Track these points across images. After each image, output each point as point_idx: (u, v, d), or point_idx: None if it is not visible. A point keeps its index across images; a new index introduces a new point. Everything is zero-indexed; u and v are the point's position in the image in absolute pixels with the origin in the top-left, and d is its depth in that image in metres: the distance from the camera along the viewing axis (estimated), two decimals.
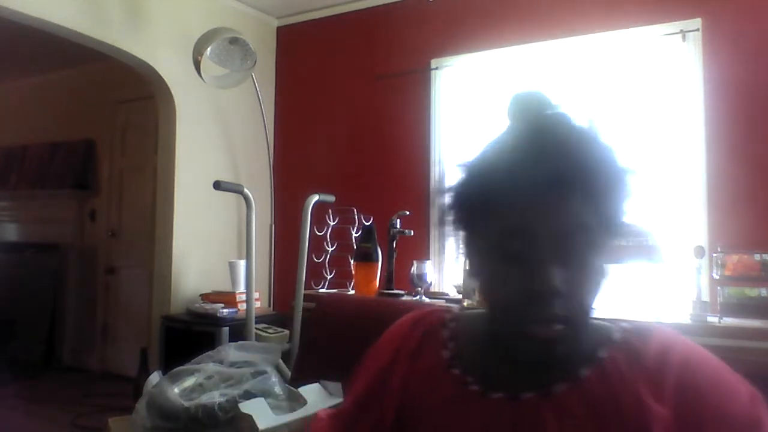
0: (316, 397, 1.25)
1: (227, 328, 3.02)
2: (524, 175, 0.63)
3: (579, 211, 0.64)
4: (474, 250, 0.71)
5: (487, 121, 3.24)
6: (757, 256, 2.18)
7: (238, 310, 3.17)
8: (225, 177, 3.32)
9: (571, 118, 0.70)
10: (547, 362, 0.65)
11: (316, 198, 2.80)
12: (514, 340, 0.65)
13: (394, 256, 2.75)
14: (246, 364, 1.33)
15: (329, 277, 3.18)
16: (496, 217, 0.65)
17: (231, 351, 1.40)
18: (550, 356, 0.64)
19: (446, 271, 3.23)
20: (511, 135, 0.74)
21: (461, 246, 0.73)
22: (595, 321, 0.71)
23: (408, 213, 2.88)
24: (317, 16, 3.85)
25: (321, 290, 3.12)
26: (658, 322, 0.71)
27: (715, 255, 2.25)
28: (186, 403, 1.17)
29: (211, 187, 2.53)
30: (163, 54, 3.30)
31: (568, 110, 0.72)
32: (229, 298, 3.23)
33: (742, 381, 0.65)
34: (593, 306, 0.66)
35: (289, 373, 1.80)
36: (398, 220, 2.80)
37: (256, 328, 2.79)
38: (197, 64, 2.96)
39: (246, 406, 1.12)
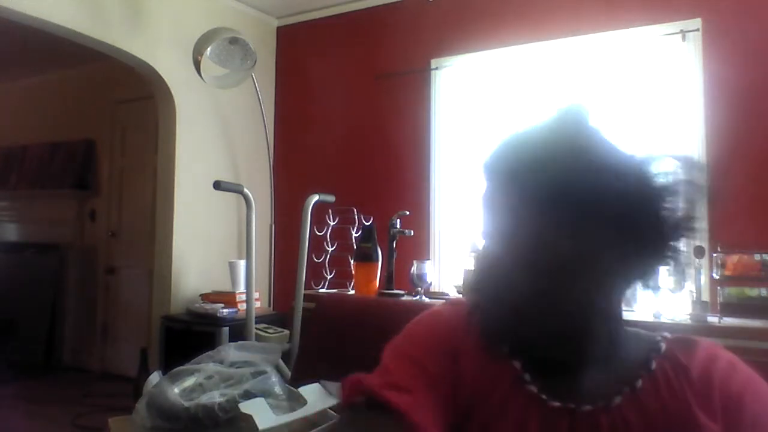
0: (316, 397, 1.24)
1: (227, 328, 3.02)
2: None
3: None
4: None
5: (487, 120, 3.24)
6: (757, 256, 2.18)
7: (238, 310, 3.17)
8: (225, 177, 3.33)
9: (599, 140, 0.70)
10: (601, 371, 0.66)
11: (316, 198, 2.80)
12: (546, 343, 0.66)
13: (394, 256, 2.75)
14: (246, 364, 1.33)
15: (329, 277, 3.18)
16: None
17: (231, 351, 1.40)
18: (601, 363, 0.66)
19: (446, 271, 3.23)
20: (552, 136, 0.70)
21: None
22: (636, 329, 0.71)
23: (408, 213, 2.88)
24: (317, 16, 3.85)
25: (321, 290, 3.12)
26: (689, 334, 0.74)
27: (715, 255, 2.25)
28: (186, 403, 1.17)
29: (211, 187, 2.53)
30: (163, 54, 3.30)
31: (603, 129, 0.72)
32: (229, 298, 3.23)
33: None
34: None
35: (289, 373, 1.80)
36: (398, 220, 2.80)
37: (256, 328, 2.79)
38: (197, 64, 2.96)
39: (246, 406, 1.12)
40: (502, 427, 0.65)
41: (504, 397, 0.67)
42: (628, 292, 0.67)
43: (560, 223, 0.63)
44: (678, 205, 0.68)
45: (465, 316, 0.72)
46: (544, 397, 0.66)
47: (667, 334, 0.71)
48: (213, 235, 3.56)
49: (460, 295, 2.61)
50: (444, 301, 0.79)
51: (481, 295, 0.68)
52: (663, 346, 0.68)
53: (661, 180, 0.67)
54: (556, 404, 0.65)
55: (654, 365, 0.66)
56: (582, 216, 0.63)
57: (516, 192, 0.65)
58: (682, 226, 0.67)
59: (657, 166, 0.67)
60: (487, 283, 0.68)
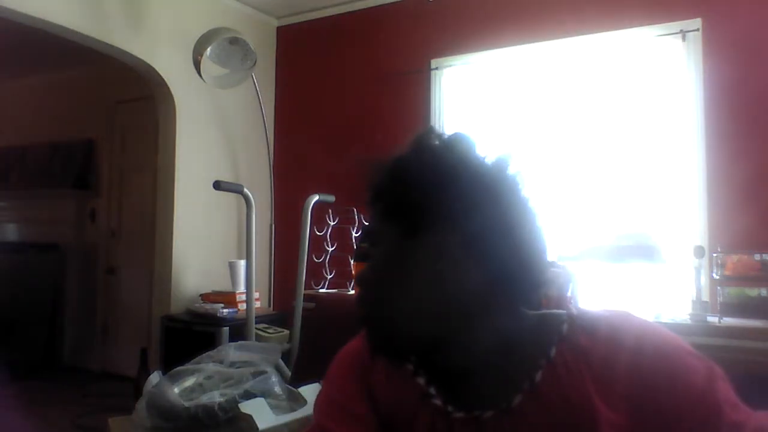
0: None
1: (227, 328, 3.02)
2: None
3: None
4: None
5: (487, 120, 3.24)
6: (757, 256, 2.18)
7: (238, 310, 3.17)
8: (225, 177, 3.32)
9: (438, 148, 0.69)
10: (497, 371, 0.66)
11: (316, 198, 2.80)
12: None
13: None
14: (246, 364, 1.33)
15: (329, 277, 3.18)
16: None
17: (231, 351, 1.40)
18: (495, 362, 0.66)
19: None
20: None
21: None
22: (547, 313, 0.70)
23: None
24: (317, 16, 3.85)
25: (321, 290, 3.12)
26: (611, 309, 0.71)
27: (715, 255, 2.25)
28: (186, 403, 1.17)
29: (211, 187, 2.53)
30: (163, 54, 3.30)
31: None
32: (229, 298, 3.23)
33: (698, 358, 0.64)
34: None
35: (289, 373, 1.80)
36: None
37: (256, 328, 2.79)
38: (197, 64, 2.96)
39: (246, 406, 1.12)
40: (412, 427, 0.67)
41: (412, 414, 0.68)
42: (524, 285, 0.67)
43: (433, 244, 0.65)
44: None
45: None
46: (449, 409, 0.66)
47: (573, 311, 0.69)
48: (213, 235, 3.56)
49: None
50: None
51: (365, 311, 0.69)
52: (565, 327, 0.66)
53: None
54: (460, 415, 0.66)
55: (554, 352, 0.65)
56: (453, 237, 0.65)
57: (410, 222, 0.66)
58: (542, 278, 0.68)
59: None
60: (368, 300, 0.69)
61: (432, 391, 0.69)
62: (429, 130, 0.71)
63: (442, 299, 0.65)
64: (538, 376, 0.64)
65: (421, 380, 0.70)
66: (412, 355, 0.70)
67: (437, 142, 0.69)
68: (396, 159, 0.69)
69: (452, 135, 0.70)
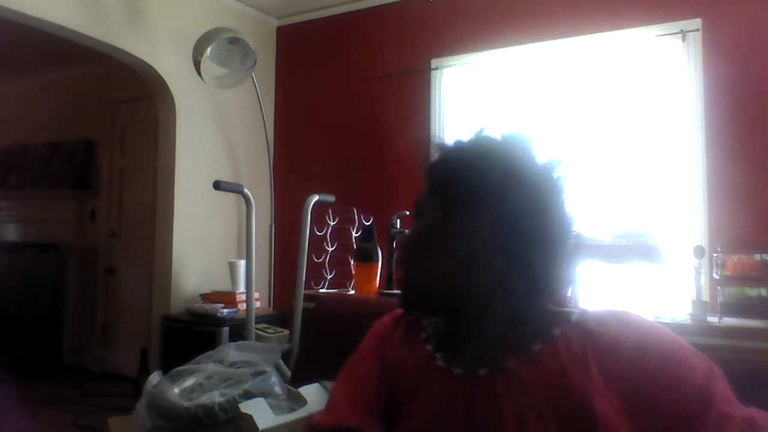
0: (316, 397, 1.24)
1: (227, 328, 3.02)
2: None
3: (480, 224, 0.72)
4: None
5: (488, 120, 3.24)
6: (757, 256, 2.17)
7: (238, 310, 3.17)
8: (225, 177, 3.33)
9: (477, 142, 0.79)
10: (491, 341, 0.74)
11: (316, 198, 2.80)
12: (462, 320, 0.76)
13: (394, 256, 2.75)
14: (246, 364, 1.33)
15: (329, 277, 3.18)
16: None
17: (231, 351, 1.40)
18: (498, 335, 0.73)
19: None
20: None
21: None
22: (555, 307, 0.76)
23: (408, 213, 2.87)
24: (317, 16, 3.85)
25: (321, 290, 3.12)
26: (624, 310, 0.75)
27: (715, 255, 2.25)
28: (186, 403, 1.17)
29: (211, 187, 2.53)
30: (163, 54, 3.30)
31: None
32: (229, 298, 3.23)
33: (698, 356, 0.67)
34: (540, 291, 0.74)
35: (289, 373, 1.80)
36: (398, 220, 2.80)
37: (256, 328, 2.79)
38: (197, 64, 2.96)
39: (246, 406, 1.12)
40: (416, 398, 0.76)
41: (418, 374, 0.77)
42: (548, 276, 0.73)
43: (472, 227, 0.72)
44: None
45: (399, 316, 0.87)
46: (450, 368, 0.75)
47: (588, 309, 0.74)
48: (213, 235, 3.56)
49: None
50: None
51: (402, 269, 0.78)
52: (575, 317, 0.72)
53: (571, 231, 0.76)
54: (458, 371, 0.74)
55: (558, 332, 0.71)
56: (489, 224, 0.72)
57: (452, 200, 0.74)
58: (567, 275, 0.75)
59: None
60: (404, 261, 0.78)
61: (438, 355, 0.77)
62: (491, 124, 0.80)
63: (464, 273, 0.72)
64: (537, 347, 0.70)
65: (429, 347, 0.79)
66: (431, 314, 0.81)
67: (495, 136, 0.78)
68: (454, 143, 0.78)
69: (511, 132, 0.79)
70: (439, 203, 0.75)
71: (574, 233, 0.76)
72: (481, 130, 0.79)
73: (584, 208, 2.89)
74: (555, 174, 0.77)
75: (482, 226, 0.71)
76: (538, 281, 0.72)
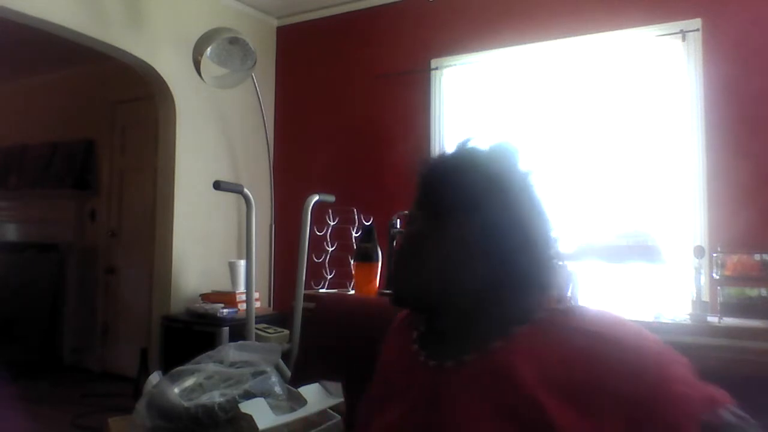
0: (316, 397, 1.24)
1: (227, 328, 3.02)
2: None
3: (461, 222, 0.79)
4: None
5: (487, 121, 3.24)
6: (757, 256, 2.17)
7: (238, 310, 3.17)
8: (225, 177, 3.33)
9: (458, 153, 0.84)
10: (460, 336, 0.79)
11: (316, 198, 2.80)
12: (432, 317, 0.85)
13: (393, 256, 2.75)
14: (246, 364, 1.32)
15: (329, 277, 3.18)
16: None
17: (231, 351, 1.40)
18: (459, 331, 0.80)
19: None
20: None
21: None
22: (523, 302, 0.78)
23: (407, 212, 2.87)
24: (317, 16, 3.85)
25: (321, 290, 3.12)
26: (603, 310, 0.79)
27: (715, 255, 2.25)
28: (186, 403, 1.17)
29: (211, 187, 2.53)
30: (163, 54, 3.30)
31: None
32: (229, 298, 3.23)
33: (658, 347, 0.69)
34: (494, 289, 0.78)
35: (289, 373, 1.80)
36: (398, 220, 2.80)
37: (256, 328, 2.79)
38: (197, 64, 2.96)
39: (246, 406, 1.12)
40: (399, 387, 0.84)
41: (404, 366, 0.85)
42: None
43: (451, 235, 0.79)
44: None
45: (405, 315, 0.96)
46: (428, 361, 0.81)
47: (559, 307, 0.77)
48: (213, 235, 3.56)
49: None
50: None
51: (392, 271, 0.87)
52: (541, 316, 0.75)
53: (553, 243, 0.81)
54: (434, 363, 0.80)
55: (516, 331, 0.75)
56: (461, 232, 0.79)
57: (438, 208, 0.81)
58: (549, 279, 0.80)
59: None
60: (395, 263, 0.87)
61: (422, 352, 0.84)
62: (473, 137, 0.84)
63: (447, 274, 0.79)
64: (493, 344, 0.75)
65: (416, 347, 0.86)
66: (417, 311, 0.89)
67: (480, 146, 0.83)
68: (440, 155, 0.84)
69: (496, 142, 0.83)
70: (426, 212, 0.82)
71: (557, 236, 0.81)
72: (466, 141, 0.84)
73: (579, 209, 2.88)
74: (537, 181, 0.82)
75: (466, 231, 0.77)
76: (520, 282, 0.77)
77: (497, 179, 0.78)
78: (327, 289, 3.16)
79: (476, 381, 0.73)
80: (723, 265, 2.22)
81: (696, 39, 2.68)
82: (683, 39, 2.70)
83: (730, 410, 0.65)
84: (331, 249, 3.14)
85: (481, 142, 0.83)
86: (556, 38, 3.00)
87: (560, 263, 0.82)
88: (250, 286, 2.69)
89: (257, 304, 3.09)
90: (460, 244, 0.78)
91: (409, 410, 0.79)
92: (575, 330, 0.71)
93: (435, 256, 0.79)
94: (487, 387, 0.72)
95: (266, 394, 1.22)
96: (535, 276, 0.77)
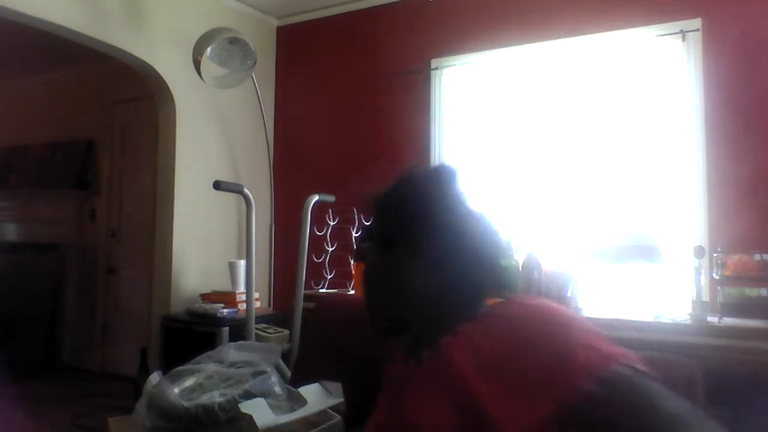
0: (316, 397, 1.25)
1: (227, 328, 3.02)
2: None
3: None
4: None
5: (487, 121, 3.24)
6: (757, 256, 2.17)
7: (238, 310, 3.17)
8: (225, 177, 3.33)
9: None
10: (423, 339, 0.89)
11: (316, 198, 2.80)
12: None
13: None
14: (246, 364, 1.33)
15: (329, 277, 3.18)
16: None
17: (231, 351, 1.40)
18: (422, 335, 0.90)
19: None
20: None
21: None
22: (470, 304, 0.87)
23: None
24: (317, 16, 3.85)
25: (321, 290, 3.12)
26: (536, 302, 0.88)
27: (715, 255, 2.25)
28: (186, 403, 1.17)
29: (211, 187, 2.53)
30: (163, 54, 3.30)
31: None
32: (229, 298, 3.22)
33: (568, 326, 0.76)
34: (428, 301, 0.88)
35: (289, 373, 1.80)
36: None
37: (256, 328, 2.79)
38: (197, 64, 2.96)
39: (246, 406, 1.12)
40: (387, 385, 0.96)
41: (396, 368, 0.97)
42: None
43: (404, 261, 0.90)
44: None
45: None
46: (405, 361, 0.93)
47: (499, 303, 0.85)
48: (213, 235, 3.56)
49: None
50: None
51: (366, 305, 0.96)
52: (482, 311, 0.85)
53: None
54: (405, 363, 0.92)
55: (461, 328, 0.84)
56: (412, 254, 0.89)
57: (380, 241, 0.93)
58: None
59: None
60: (363, 296, 0.97)
61: (405, 355, 0.95)
62: (412, 168, 0.95)
63: (409, 299, 0.89)
64: (442, 341, 0.85)
65: (402, 354, 0.97)
66: (397, 333, 0.97)
67: (416, 176, 0.93)
68: (380, 193, 0.95)
69: (432, 171, 0.94)
70: (378, 244, 0.93)
71: (504, 240, 0.93)
72: (408, 170, 0.95)
73: (579, 209, 2.87)
74: (476, 196, 0.91)
75: (408, 260, 0.88)
76: (467, 289, 0.87)
77: (436, 205, 0.88)
78: (327, 289, 3.16)
79: (429, 374, 0.84)
80: (723, 265, 2.22)
81: (696, 39, 2.68)
82: (683, 39, 2.70)
83: (625, 364, 0.70)
84: (331, 249, 3.14)
85: (422, 170, 0.94)
86: (556, 38, 3.00)
87: (511, 263, 0.97)
88: (250, 286, 2.69)
89: (257, 304, 3.08)
90: (414, 268, 0.87)
91: (387, 407, 0.93)
92: (502, 318, 0.81)
93: (396, 284, 0.89)
94: (435, 378, 0.82)
95: (266, 394, 1.22)
96: (479, 281, 0.87)
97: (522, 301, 0.85)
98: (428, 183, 0.91)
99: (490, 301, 0.87)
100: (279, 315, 3.45)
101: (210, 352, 1.40)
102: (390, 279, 0.91)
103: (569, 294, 2.31)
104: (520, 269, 2.39)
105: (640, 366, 0.71)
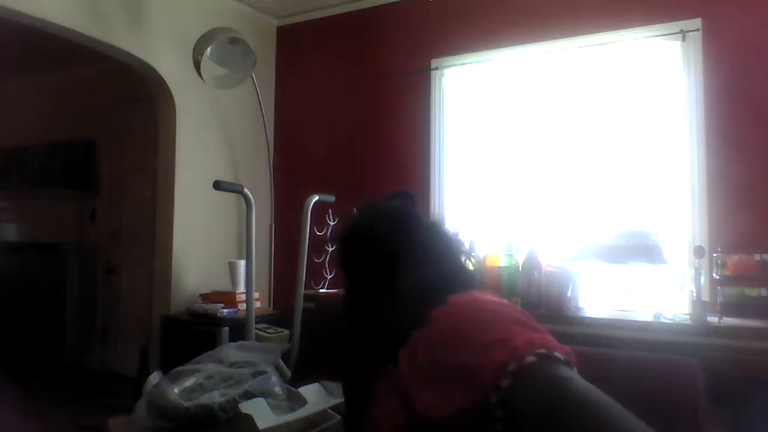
0: (316, 397, 1.25)
1: (227, 328, 3.02)
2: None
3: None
4: None
5: (488, 121, 3.24)
6: (757, 256, 2.18)
7: (238, 310, 3.17)
8: (225, 177, 3.33)
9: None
10: (391, 352, 0.90)
11: (316, 198, 2.80)
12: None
13: None
14: (246, 364, 1.33)
15: (329, 277, 3.18)
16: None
17: (231, 351, 1.40)
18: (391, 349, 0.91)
19: None
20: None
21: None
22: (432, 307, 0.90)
23: None
24: (317, 16, 3.85)
25: (321, 290, 3.12)
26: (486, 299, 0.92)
27: (715, 255, 2.25)
28: (186, 403, 1.17)
29: (211, 187, 2.53)
30: (163, 54, 3.30)
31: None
32: (229, 298, 3.22)
33: (491, 324, 0.79)
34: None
35: (289, 373, 1.80)
36: None
37: (256, 328, 2.79)
38: (197, 64, 2.96)
39: (246, 406, 1.12)
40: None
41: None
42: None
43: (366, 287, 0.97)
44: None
45: None
46: (383, 370, 0.94)
47: (451, 302, 0.87)
48: (213, 235, 3.55)
49: None
50: None
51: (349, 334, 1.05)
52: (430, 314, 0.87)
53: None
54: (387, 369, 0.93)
55: (413, 334, 0.86)
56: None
57: (345, 275, 1.03)
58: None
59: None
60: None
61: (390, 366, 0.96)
62: (367, 204, 1.09)
63: (371, 324, 0.97)
64: (400, 352, 0.88)
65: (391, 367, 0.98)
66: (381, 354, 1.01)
67: (375, 211, 1.06)
68: (344, 228, 1.06)
69: (389, 207, 1.07)
70: (350, 275, 1.02)
71: (463, 254, 1.00)
72: (367, 205, 1.08)
73: (579, 209, 2.87)
74: (432, 223, 1.01)
75: (372, 288, 0.95)
76: (424, 304, 0.89)
77: (396, 236, 0.95)
78: (327, 289, 3.16)
79: (389, 383, 0.89)
80: (723, 265, 2.22)
81: (696, 39, 2.68)
82: (683, 39, 2.70)
83: (536, 353, 0.72)
84: (331, 249, 3.14)
85: (380, 205, 1.08)
86: (556, 38, 3.00)
87: (468, 271, 1.01)
88: (250, 286, 2.69)
89: (257, 304, 3.08)
90: (375, 300, 0.94)
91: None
92: (437, 319, 0.84)
93: (362, 312, 0.98)
94: (393, 386, 0.87)
95: (266, 394, 1.22)
96: (436, 292, 0.90)
97: (455, 299, 0.88)
98: (391, 217, 1.01)
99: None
100: (279, 315, 3.45)
101: (210, 352, 1.40)
102: (360, 309, 0.99)
103: (569, 293, 2.31)
104: (520, 269, 2.40)
105: (552, 352, 0.73)
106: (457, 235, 1.02)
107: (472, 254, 2.12)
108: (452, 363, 0.77)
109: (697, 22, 2.68)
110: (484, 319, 0.81)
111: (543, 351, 0.72)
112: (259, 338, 2.81)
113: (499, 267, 2.42)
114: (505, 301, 0.88)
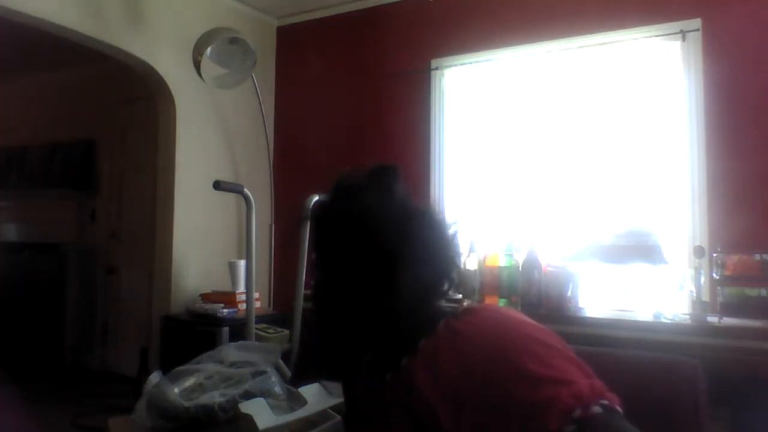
0: (316, 397, 1.24)
1: (227, 328, 3.02)
2: None
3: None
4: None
5: (488, 120, 3.24)
6: (757, 256, 2.18)
7: (238, 310, 3.17)
8: (225, 177, 3.32)
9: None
10: (385, 359, 0.89)
11: (316, 198, 2.79)
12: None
13: None
14: (246, 364, 1.32)
15: None
16: None
17: (231, 351, 1.40)
18: (383, 355, 0.90)
19: None
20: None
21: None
22: (423, 316, 0.87)
23: None
24: (317, 16, 3.85)
25: None
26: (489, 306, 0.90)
27: (715, 255, 2.25)
28: (186, 403, 1.17)
29: (211, 187, 2.53)
30: (163, 54, 3.30)
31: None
32: (229, 298, 3.22)
33: (516, 346, 0.75)
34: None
35: (289, 373, 1.80)
36: None
37: (256, 328, 2.79)
38: (197, 64, 2.96)
39: (246, 406, 1.12)
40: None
41: (361, 387, 0.97)
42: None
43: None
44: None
45: None
46: (379, 380, 0.90)
47: (459, 313, 0.84)
48: (213, 235, 3.55)
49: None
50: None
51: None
52: (440, 325, 0.84)
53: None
54: (384, 378, 0.89)
55: (422, 344, 0.84)
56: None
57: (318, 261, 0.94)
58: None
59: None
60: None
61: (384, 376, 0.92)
62: (345, 176, 1.00)
63: (355, 321, 0.89)
64: (404, 361, 0.85)
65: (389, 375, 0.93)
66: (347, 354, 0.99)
67: (351, 188, 0.97)
68: (321, 206, 0.98)
69: (368, 176, 0.99)
70: (323, 260, 0.95)
71: (455, 244, 0.91)
72: (341, 181, 0.99)
73: (580, 209, 2.87)
74: (414, 200, 0.95)
75: (355, 280, 0.88)
76: (418, 301, 0.86)
77: (377, 216, 0.89)
78: None
79: (393, 396, 0.84)
80: (723, 265, 2.22)
81: (696, 39, 2.68)
82: (683, 39, 2.70)
83: (602, 404, 0.69)
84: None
85: (357, 178, 0.98)
86: (556, 38, 3.00)
87: (460, 267, 0.93)
88: (250, 286, 2.69)
89: (257, 304, 3.08)
90: (364, 287, 0.87)
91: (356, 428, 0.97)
92: (456, 333, 0.80)
93: (349, 307, 0.89)
94: (400, 398, 0.82)
95: (266, 394, 1.22)
96: (430, 290, 0.87)
97: (483, 312, 0.84)
98: (365, 192, 0.94)
99: (445, 305, 0.88)
100: (279, 315, 3.45)
101: (210, 352, 1.40)
102: (342, 301, 0.90)
103: (569, 293, 2.31)
104: (520, 269, 2.40)
105: (614, 405, 0.70)
106: (447, 221, 0.93)
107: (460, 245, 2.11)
108: (502, 392, 0.72)
109: (696, 22, 2.68)
110: (536, 351, 0.74)
111: (606, 402, 0.70)
112: (259, 338, 2.81)
113: (499, 267, 2.42)
114: (541, 326, 0.80)
